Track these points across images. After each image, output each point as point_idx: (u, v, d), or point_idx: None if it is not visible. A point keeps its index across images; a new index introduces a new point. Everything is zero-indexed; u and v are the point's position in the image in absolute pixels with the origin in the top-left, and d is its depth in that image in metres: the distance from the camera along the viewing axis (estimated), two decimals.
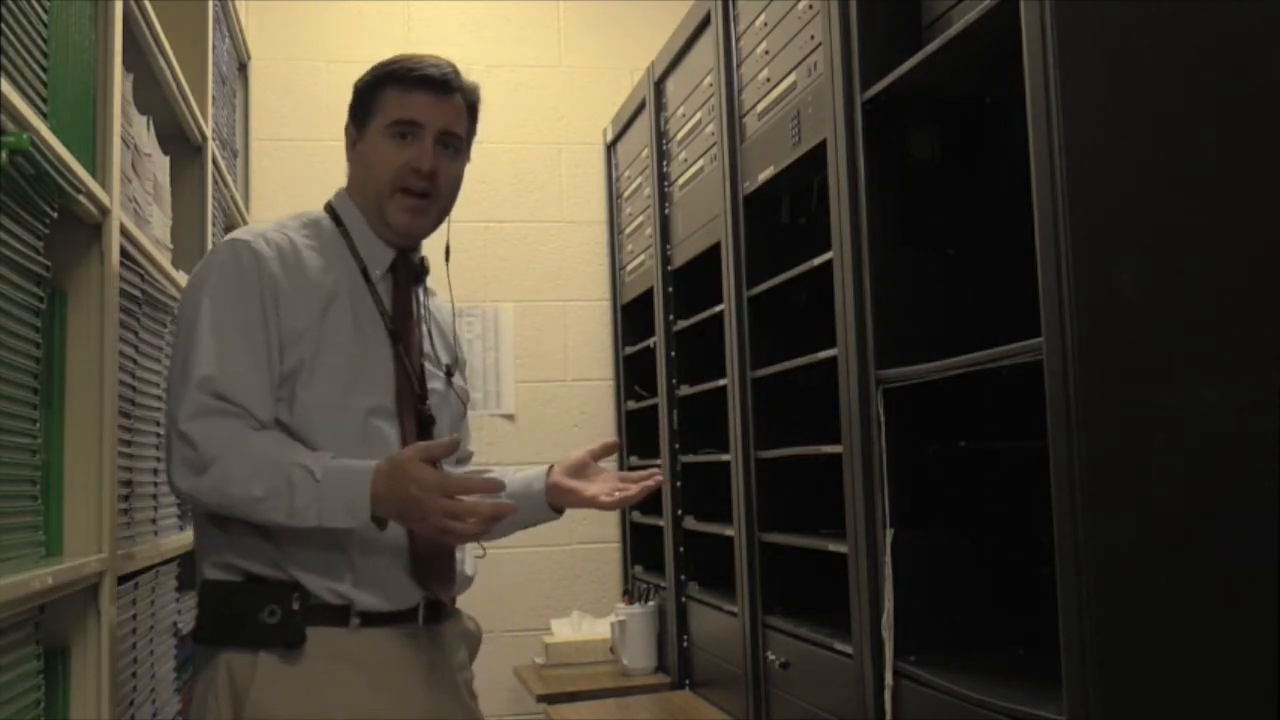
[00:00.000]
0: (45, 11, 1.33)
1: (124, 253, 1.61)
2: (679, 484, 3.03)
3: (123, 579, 1.62)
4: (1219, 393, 1.34)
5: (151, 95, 2.10)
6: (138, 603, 1.74)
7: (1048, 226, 1.35)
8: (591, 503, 1.71)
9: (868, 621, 1.83)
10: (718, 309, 2.64)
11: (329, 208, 1.72)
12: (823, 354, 2.03)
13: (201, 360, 1.48)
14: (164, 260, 1.94)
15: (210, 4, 2.68)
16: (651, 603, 3.21)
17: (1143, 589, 1.31)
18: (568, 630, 3.44)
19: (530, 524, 1.77)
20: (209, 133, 2.57)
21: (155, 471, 1.89)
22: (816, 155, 2.06)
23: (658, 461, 1.79)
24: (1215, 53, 1.40)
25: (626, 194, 3.64)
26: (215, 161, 2.67)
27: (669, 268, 3.12)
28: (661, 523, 3.12)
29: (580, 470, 1.75)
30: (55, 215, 1.35)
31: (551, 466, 1.76)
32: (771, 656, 2.32)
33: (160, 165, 2.08)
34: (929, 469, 1.83)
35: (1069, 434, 1.32)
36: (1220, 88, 1.39)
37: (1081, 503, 1.31)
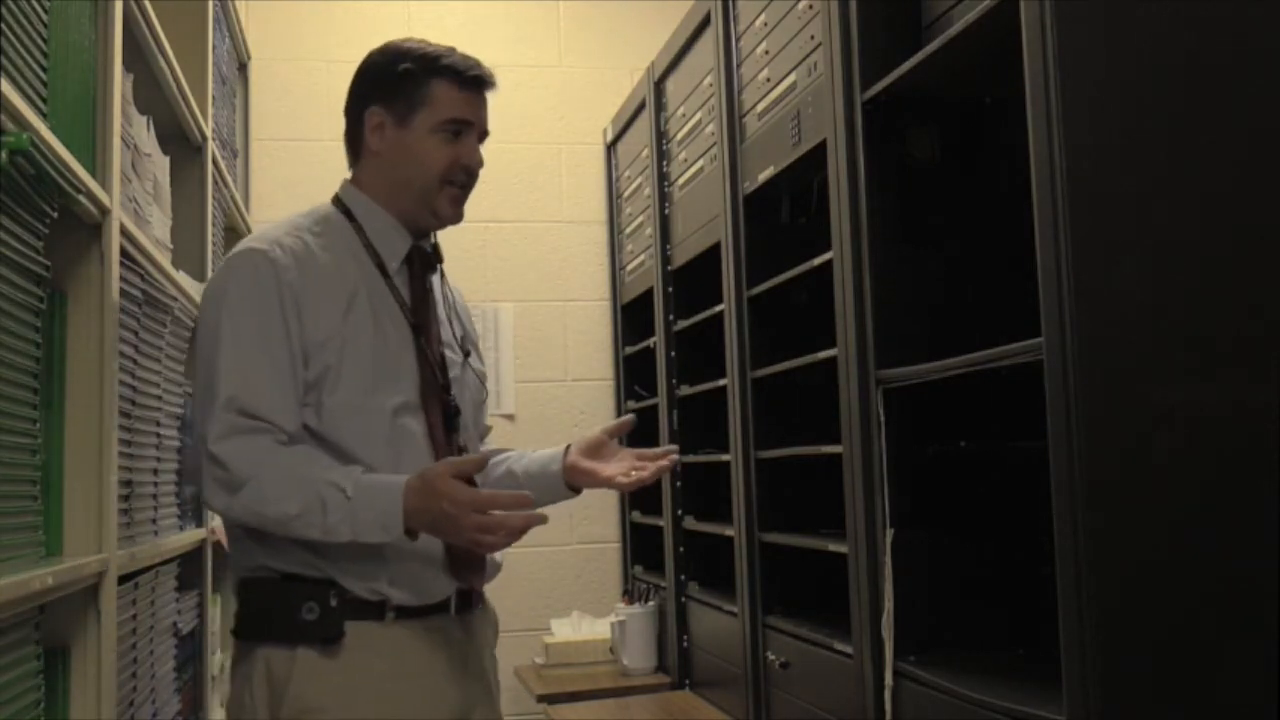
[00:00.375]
0: (45, 11, 1.33)
1: (124, 253, 1.61)
2: (679, 484, 3.03)
3: (123, 579, 1.62)
4: (1219, 393, 1.34)
5: (151, 95, 2.10)
6: (138, 603, 1.74)
7: (1048, 226, 1.35)
8: (609, 483, 1.71)
9: (868, 621, 1.83)
10: (718, 309, 2.64)
11: (337, 201, 1.69)
12: (823, 354, 2.03)
13: (225, 380, 1.48)
14: (164, 260, 1.94)
15: (210, 4, 2.68)
16: (651, 603, 3.21)
17: (1143, 589, 1.31)
18: (568, 630, 3.44)
19: (547, 503, 1.76)
20: (209, 133, 2.57)
21: (155, 471, 1.89)
22: (816, 155, 2.07)
23: (673, 446, 1.77)
24: (1215, 52, 1.40)
25: (626, 194, 3.65)
26: (215, 161, 2.67)
27: (669, 268, 3.12)
28: (661, 523, 3.12)
29: (597, 450, 1.74)
30: (55, 215, 1.35)
31: (569, 446, 1.76)
32: (771, 656, 2.32)
33: (160, 165, 2.08)
34: (929, 469, 1.83)
35: (1069, 434, 1.32)
36: (1220, 87, 1.39)
37: (1081, 503, 1.31)
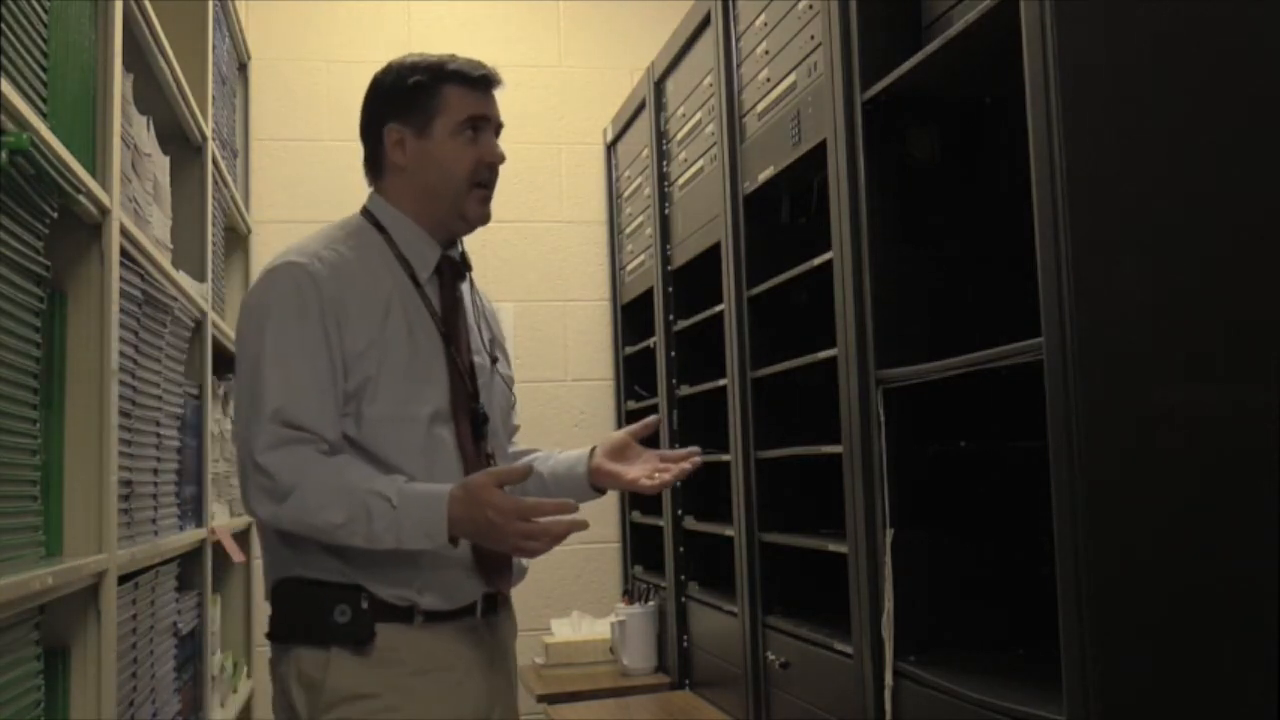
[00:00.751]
0: (45, 11, 1.34)
1: (124, 253, 1.61)
2: (679, 484, 3.02)
3: (123, 579, 1.62)
4: (1219, 393, 1.34)
5: (151, 95, 2.10)
6: (138, 603, 1.74)
7: (1048, 226, 1.35)
8: (633, 485, 1.74)
9: (868, 621, 1.83)
10: (718, 309, 2.64)
11: (366, 213, 1.72)
12: (823, 354, 2.03)
13: (270, 392, 1.51)
14: (164, 260, 1.94)
15: (210, 4, 2.68)
16: (651, 603, 3.21)
17: (1143, 589, 1.31)
18: (568, 630, 3.44)
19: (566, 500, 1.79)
20: (209, 133, 2.57)
21: (155, 471, 1.89)
22: (816, 155, 2.06)
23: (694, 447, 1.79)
24: (1215, 52, 1.40)
25: (626, 194, 3.64)
26: (215, 161, 2.67)
27: (669, 268, 3.12)
28: (661, 523, 3.12)
29: (622, 452, 1.78)
30: (55, 215, 1.35)
31: (594, 449, 1.79)
32: (771, 656, 2.32)
33: (160, 165, 2.08)
34: (929, 469, 1.83)
35: (1069, 434, 1.32)
36: (1220, 87, 1.39)
37: (1081, 503, 1.31)
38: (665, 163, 3.13)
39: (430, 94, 1.65)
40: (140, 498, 1.78)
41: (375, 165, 1.72)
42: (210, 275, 2.55)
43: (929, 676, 1.68)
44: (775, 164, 2.29)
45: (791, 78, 2.20)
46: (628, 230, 3.64)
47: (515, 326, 3.77)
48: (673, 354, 3.11)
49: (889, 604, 1.76)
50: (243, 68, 3.54)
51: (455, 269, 1.73)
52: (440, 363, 1.63)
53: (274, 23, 3.69)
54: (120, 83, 1.62)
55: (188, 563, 2.28)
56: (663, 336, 3.14)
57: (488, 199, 1.70)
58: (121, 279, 1.58)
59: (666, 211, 3.13)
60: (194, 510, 2.30)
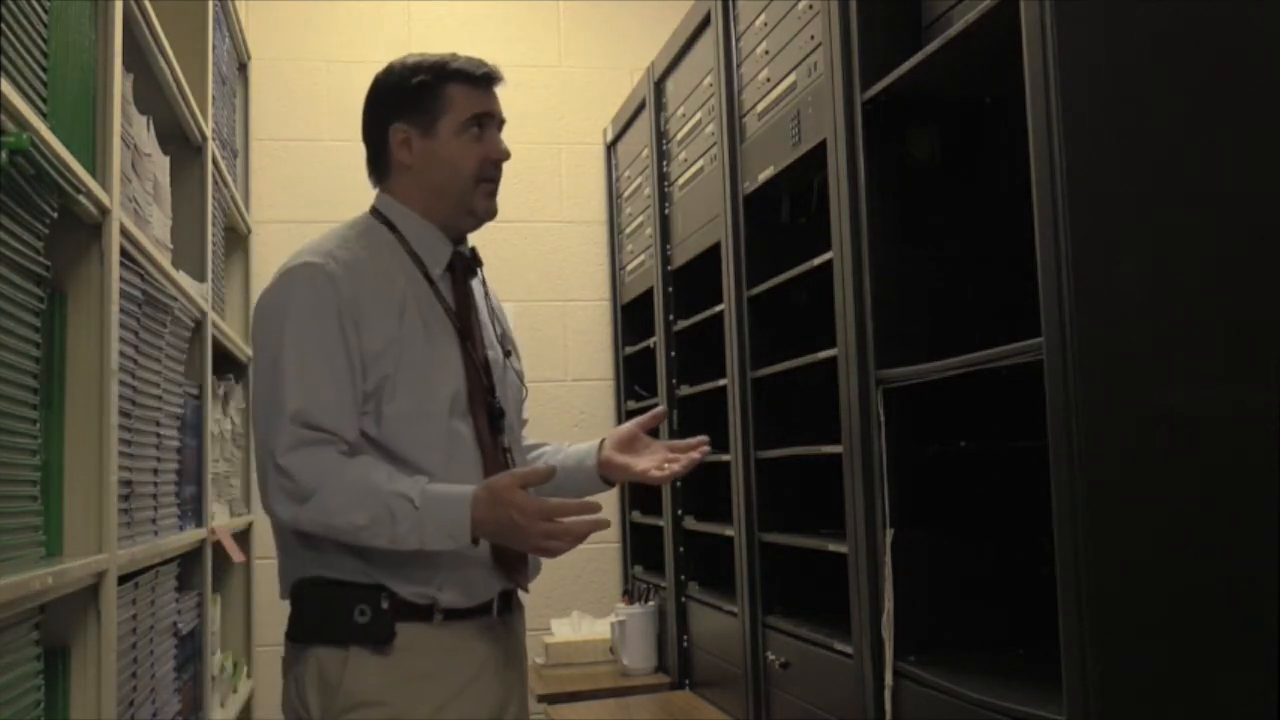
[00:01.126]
0: (45, 11, 1.34)
1: (124, 253, 1.61)
2: (679, 484, 3.03)
3: (123, 579, 1.62)
4: (1219, 393, 1.34)
5: (151, 95, 2.10)
6: (138, 603, 1.74)
7: (1048, 226, 1.35)
8: (643, 477, 1.76)
9: (868, 621, 1.83)
10: (718, 309, 2.64)
11: (376, 213, 1.72)
12: (823, 354, 2.03)
13: (291, 393, 1.52)
14: (164, 260, 1.94)
15: (210, 4, 2.68)
16: (651, 603, 3.21)
17: (1143, 589, 1.31)
18: (568, 630, 3.44)
19: (584, 495, 1.79)
20: (209, 133, 2.57)
21: (155, 471, 1.89)
22: (816, 155, 2.06)
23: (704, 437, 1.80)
24: (1215, 52, 1.40)
25: (626, 194, 3.64)
26: (215, 161, 2.67)
27: (669, 268, 3.12)
28: (661, 523, 3.12)
29: (630, 444, 1.80)
30: (55, 215, 1.35)
31: (603, 441, 1.81)
32: (771, 656, 2.32)
33: (160, 165, 2.08)
34: (929, 469, 1.83)
35: (1069, 434, 1.32)
36: (1220, 87, 1.39)
37: (1081, 503, 1.31)
38: (665, 163, 3.13)
39: (434, 93, 1.66)
40: (140, 498, 1.78)
41: (381, 165, 1.72)
42: (210, 275, 2.55)
43: (929, 676, 1.68)
44: (775, 164, 2.29)
45: (791, 78, 2.20)
46: (628, 230, 3.64)
47: (515, 326, 3.73)
48: (673, 354, 3.11)
49: (889, 604, 1.76)
50: (243, 68, 3.54)
51: (466, 265, 1.74)
52: (456, 358, 1.64)
53: (274, 23, 3.69)
54: (120, 83, 1.62)
55: (188, 563, 2.28)
56: (663, 336, 3.14)
57: (494, 193, 1.72)
58: (121, 279, 1.58)
59: (666, 211, 3.13)
60: (194, 510, 2.30)
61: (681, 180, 2.97)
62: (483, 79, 1.69)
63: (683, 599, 3.03)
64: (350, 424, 1.55)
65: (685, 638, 3.01)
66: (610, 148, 3.82)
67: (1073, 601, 1.31)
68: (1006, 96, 1.73)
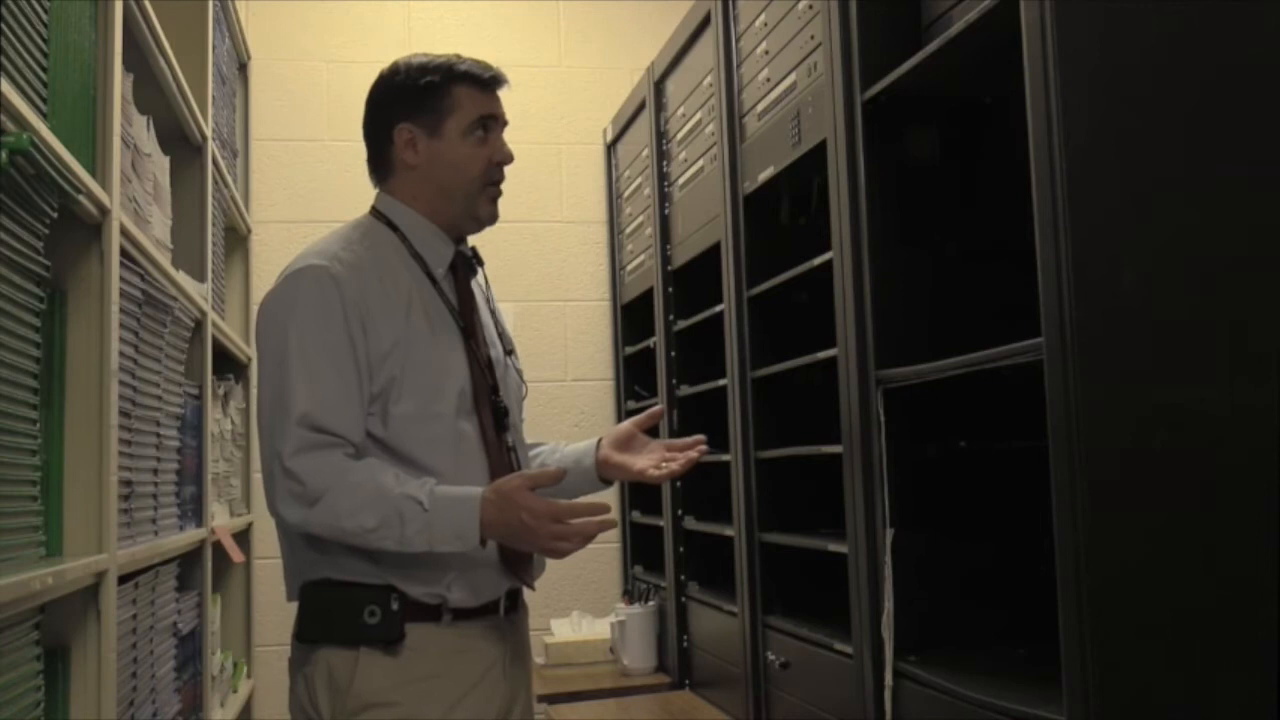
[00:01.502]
0: (45, 11, 1.34)
1: (124, 253, 1.61)
2: (679, 484, 3.03)
3: (123, 579, 1.62)
4: (1219, 393, 1.34)
5: (151, 95, 2.10)
6: (138, 603, 1.74)
7: (1048, 226, 1.35)
8: (640, 476, 1.76)
9: (868, 621, 1.83)
10: (718, 309, 2.64)
11: (377, 213, 1.72)
12: (823, 354, 2.03)
13: (298, 396, 1.52)
14: (164, 260, 1.94)
15: (210, 4, 2.68)
16: (651, 603, 3.21)
17: (1143, 589, 1.31)
18: (568, 630, 3.44)
19: (581, 494, 1.81)
20: (209, 133, 2.57)
21: (155, 471, 1.89)
22: (816, 155, 2.06)
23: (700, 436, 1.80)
24: (1215, 52, 1.40)
25: (626, 194, 3.64)
26: (215, 161, 2.67)
27: (669, 268, 3.12)
28: (661, 523, 3.12)
29: (627, 442, 1.80)
30: (55, 215, 1.35)
31: (600, 440, 1.82)
32: (771, 656, 2.32)
33: (160, 165, 2.08)
34: (929, 469, 1.83)
35: (1069, 434, 1.32)
36: (1220, 87, 1.39)
37: (1081, 503, 1.31)
38: (665, 163, 3.13)
39: (442, 94, 1.66)
40: (140, 498, 1.78)
41: (383, 165, 1.72)
42: (210, 275, 2.55)
43: (929, 676, 1.68)
44: (775, 164, 2.29)
45: (791, 78, 2.20)
46: (628, 230, 3.64)
47: (515, 326, 3.76)
48: (673, 354, 3.11)
49: (889, 604, 1.76)
50: (243, 68, 3.54)
51: (468, 264, 1.74)
52: (461, 357, 1.64)
53: (274, 23, 3.69)
54: (120, 83, 1.62)
55: (188, 563, 2.28)
56: (663, 336, 3.14)
57: (497, 198, 1.72)
58: (121, 279, 1.58)
59: (666, 211, 3.13)
60: (194, 510, 2.30)
61: (681, 180, 2.97)
62: (489, 81, 1.70)
63: (683, 599, 3.03)
64: (357, 426, 1.55)
65: (685, 638, 3.02)
66: (610, 148, 3.82)
67: (1073, 601, 1.31)
68: (1006, 96, 1.73)
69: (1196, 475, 1.33)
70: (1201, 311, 1.36)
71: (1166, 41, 1.38)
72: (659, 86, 3.16)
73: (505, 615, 1.67)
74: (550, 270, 3.84)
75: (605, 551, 3.75)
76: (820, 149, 2.03)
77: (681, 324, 3.03)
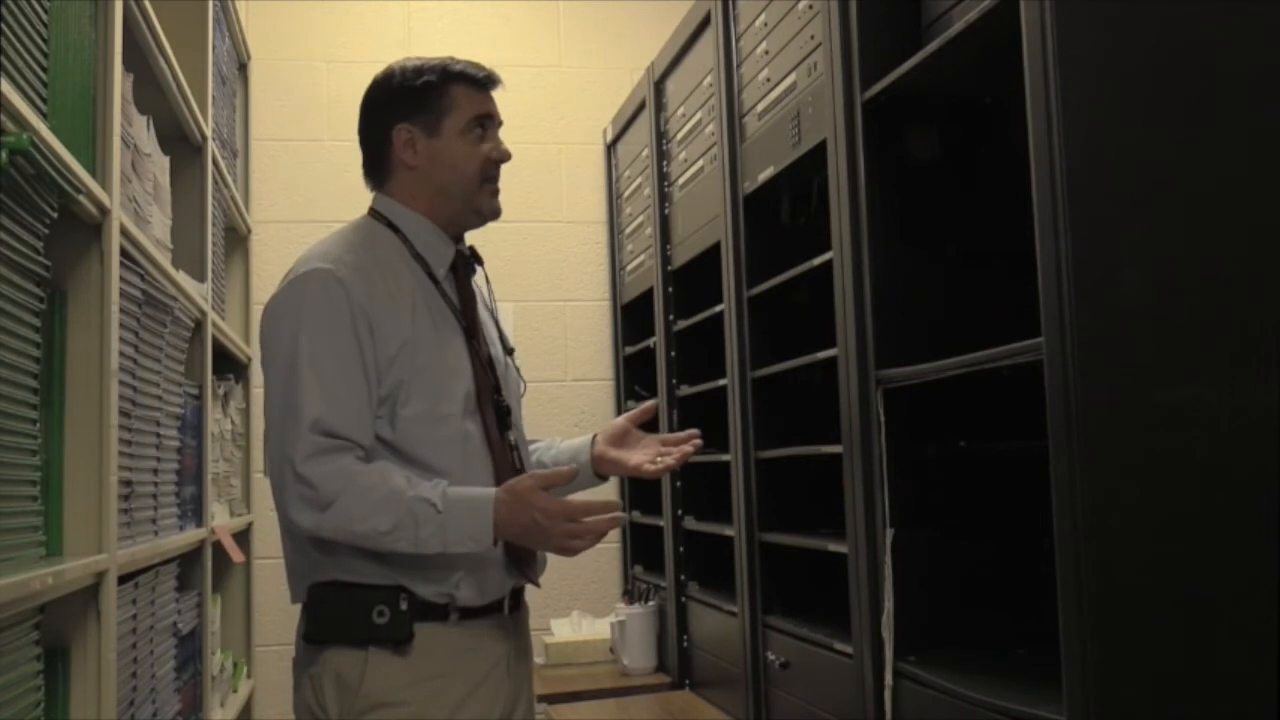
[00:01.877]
0: (45, 11, 1.34)
1: (124, 253, 1.61)
2: (679, 484, 3.03)
3: (123, 579, 1.62)
4: (1219, 393, 1.34)
5: (151, 95, 2.10)
6: (138, 603, 1.74)
7: (1048, 226, 1.35)
8: (636, 471, 1.77)
9: (868, 621, 1.83)
10: (718, 309, 2.64)
11: (376, 214, 1.72)
12: (823, 354, 2.03)
13: (309, 401, 1.52)
14: (164, 260, 1.94)
15: (210, 4, 2.68)
16: (651, 603, 3.21)
17: (1143, 589, 1.31)
18: (568, 630, 3.44)
19: (577, 490, 1.81)
20: (209, 133, 2.57)
21: (155, 471, 1.89)
22: (816, 155, 2.06)
23: (694, 431, 1.81)
24: (1215, 52, 1.40)
25: (626, 194, 3.64)
26: (215, 161, 2.67)
27: (669, 268, 3.12)
28: (661, 523, 3.12)
29: (622, 438, 1.82)
30: (55, 215, 1.35)
31: (595, 436, 1.83)
32: (771, 656, 2.32)
33: (160, 165, 2.08)
34: (929, 469, 1.83)
35: (1069, 434, 1.32)
36: (1220, 87, 1.39)
37: (1081, 503, 1.31)
38: (665, 163, 3.13)
39: (440, 94, 1.67)
40: (140, 498, 1.78)
41: (381, 167, 1.72)
42: (210, 275, 2.55)
43: (929, 676, 1.68)
44: (775, 164, 2.29)
45: (791, 78, 2.20)
46: (628, 230, 3.64)
47: (515, 326, 3.77)
48: (673, 354, 3.11)
49: (889, 604, 1.76)
50: (243, 68, 3.54)
51: (468, 264, 1.75)
52: (464, 357, 1.65)
53: (274, 23, 3.69)
54: (120, 83, 1.62)
55: (188, 563, 2.28)
56: (663, 336, 3.14)
57: (498, 192, 1.73)
58: (121, 279, 1.58)
59: (666, 211, 3.13)
60: (194, 510, 2.30)
61: (681, 180, 2.97)
62: (485, 81, 1.71)
63: (683, 599, 3.03)
64: (367, 430, 1.56)
65: (685, 638, 3.01)
66: (610, 148, 3.82)
67: (1073, 601, 1.31)
68: (1006, 96, 1.73)
69: (1196, 475, 1.33)
70: (1201, 311, 1.35)
71: (1166, 41, 1.38)
72: (659, 86, 3.16)
73: (509, 614, 1.67)
74: (550, 270, 3.84)
75: (605, 551, 3.75)
76: (820, 149, 2.03)
77: (681, 324, 3.03)
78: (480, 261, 1.78)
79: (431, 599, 1.57)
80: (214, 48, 2.72)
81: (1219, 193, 1.38)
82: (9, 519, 1.25)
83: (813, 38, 2.08)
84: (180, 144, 2.44)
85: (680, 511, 3.03)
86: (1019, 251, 1.44)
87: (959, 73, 1.73)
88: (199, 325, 2.37)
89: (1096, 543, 1.30)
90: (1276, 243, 1.37)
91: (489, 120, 1.71)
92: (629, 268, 3.64)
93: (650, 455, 1.78)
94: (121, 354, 1.60)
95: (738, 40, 2.53)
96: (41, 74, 1.32)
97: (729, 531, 2.54)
